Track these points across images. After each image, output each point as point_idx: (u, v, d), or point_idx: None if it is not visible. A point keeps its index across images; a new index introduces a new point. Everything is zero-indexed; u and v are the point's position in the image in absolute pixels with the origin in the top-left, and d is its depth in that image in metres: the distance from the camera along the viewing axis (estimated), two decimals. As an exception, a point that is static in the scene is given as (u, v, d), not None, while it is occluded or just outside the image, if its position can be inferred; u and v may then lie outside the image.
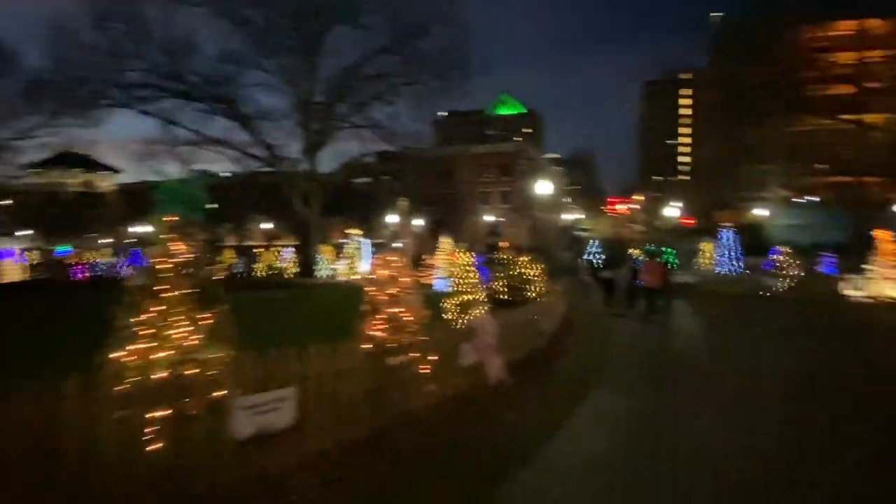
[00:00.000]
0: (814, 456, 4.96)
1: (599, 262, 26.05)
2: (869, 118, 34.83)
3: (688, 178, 77.09)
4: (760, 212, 40.27)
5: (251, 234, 57.27)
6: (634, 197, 73.27)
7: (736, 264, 25.46)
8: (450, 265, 10.00)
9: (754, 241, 28.35)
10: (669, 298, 15.68)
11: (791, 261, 20.05)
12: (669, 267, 20.19)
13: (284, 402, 4.05)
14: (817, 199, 41.55)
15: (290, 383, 4.20)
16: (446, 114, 75.53)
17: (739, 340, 11.73)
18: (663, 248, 21.23)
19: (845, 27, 40.33)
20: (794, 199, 42.28)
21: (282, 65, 29.47)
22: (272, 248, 34.54)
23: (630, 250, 22.20)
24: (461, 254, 10.40)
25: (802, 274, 20.13)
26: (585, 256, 29.55)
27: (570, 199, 76.13)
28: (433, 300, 9.99)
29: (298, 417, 4.16)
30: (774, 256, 20.33)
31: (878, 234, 17.39)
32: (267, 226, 54.83)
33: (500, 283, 12.69)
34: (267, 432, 3.91)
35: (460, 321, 8.88)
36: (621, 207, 71.68)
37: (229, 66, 28.80)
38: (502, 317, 8.57)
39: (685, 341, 11.79)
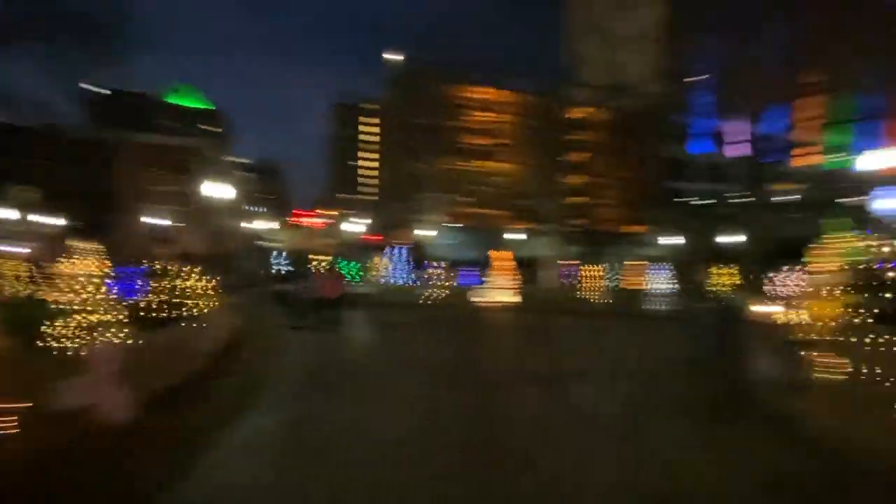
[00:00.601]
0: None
1: (283, 273, 25.47)
2: (496, 165, 45.67)
3: (371, 197, 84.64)
4: (427, 231, 47.08)
5: None
6: (321, 211, 75.33)
7: (406, 277, 28.93)
8: (80, 277, 7.78)
9: (422, 257, 33.04)
10: (346, 308, 16.34)
11: (444, 273, 24.25)
12: (349, 279, 21.42)
13: None
14: (470, 223, 51.52)
15: None
16: (109, 92, 62.18)
17: (401, 341, 13.41)
18: (344, 262, 22.43)
19: (482, 92, 51.53)
20: (450, 224, 51.24)
21: None
22: None
23: (312, 262, 22.46)
24: (90, 262, 8.14)
25: (452, 284, 24.70)
26: (271, 268, 28.53)
27: (263, 209, 72.97)
28: (39, 319, 7.46)
29: None
30: (431, 270, 24.49)
31: (492, 254, 23.18)
32: None
33: (158, 298, 10.76)
34: None
35: (75, 348, 6.79)
36: (309, 220, 72.53)
37: None
38: (151, 338, 7.17)
39: (358, 347, 12.45)
